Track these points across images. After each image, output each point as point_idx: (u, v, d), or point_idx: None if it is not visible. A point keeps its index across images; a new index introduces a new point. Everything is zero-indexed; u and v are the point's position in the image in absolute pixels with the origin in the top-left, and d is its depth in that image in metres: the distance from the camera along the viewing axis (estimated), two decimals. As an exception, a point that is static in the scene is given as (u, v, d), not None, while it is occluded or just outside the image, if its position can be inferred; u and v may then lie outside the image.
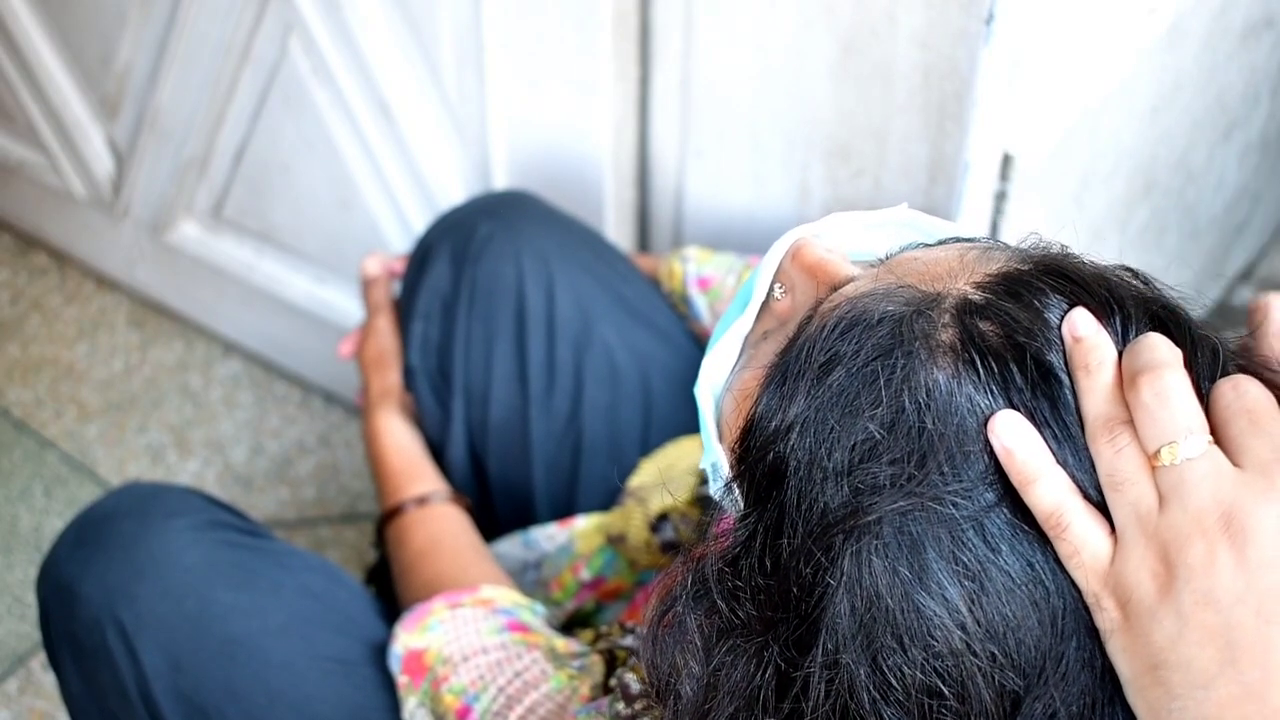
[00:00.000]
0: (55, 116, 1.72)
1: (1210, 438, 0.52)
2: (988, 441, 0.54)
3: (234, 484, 1.66)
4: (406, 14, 1.28)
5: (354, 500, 1.64)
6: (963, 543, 0.53)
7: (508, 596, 0.96)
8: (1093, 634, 0.53)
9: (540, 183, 1.32)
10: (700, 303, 1.17)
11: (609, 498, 1.13)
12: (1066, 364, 0.55)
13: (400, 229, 1.46)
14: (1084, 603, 0.53)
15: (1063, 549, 0.53)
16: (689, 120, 1.25)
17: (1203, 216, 1.56)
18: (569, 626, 1.07)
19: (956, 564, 0.53)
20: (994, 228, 1.13)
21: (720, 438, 0.65)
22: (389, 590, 1.11)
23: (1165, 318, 0.57)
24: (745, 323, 0.66)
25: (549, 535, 1.12)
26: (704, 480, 0.99)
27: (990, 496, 0.54)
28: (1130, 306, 0.56)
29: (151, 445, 1.70)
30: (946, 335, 0.55)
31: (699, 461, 0.84)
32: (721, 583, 0.59)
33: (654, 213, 1.36)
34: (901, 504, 0.54)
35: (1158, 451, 0.52)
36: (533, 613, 0.96)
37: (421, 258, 1.16)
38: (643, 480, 1.10)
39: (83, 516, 1.01)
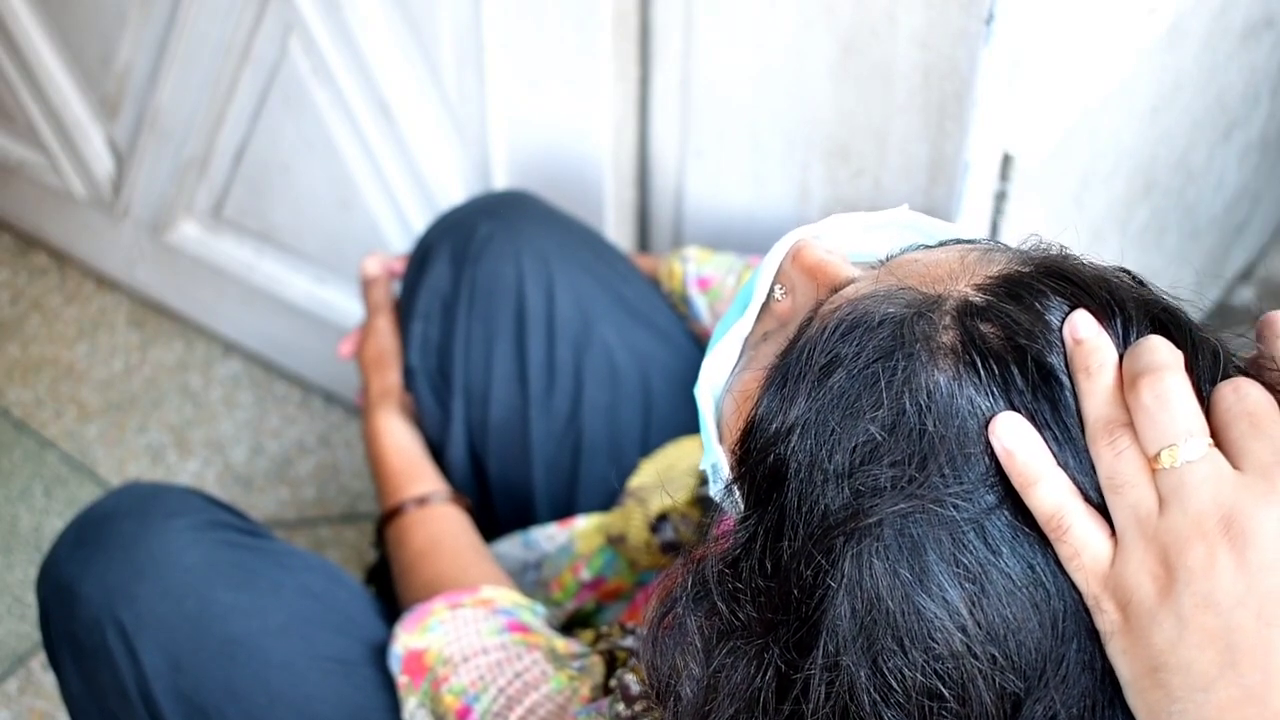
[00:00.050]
0: (55, 116, 1.72)
1: (1210, 440, 0.52)
2: (989, 443, 0.54)
3: (234, 484, 1.66)
4: (406, 14, 1.28)
5: (354, 500, 1.64)
6: (964, 545, 0.53)
7: (508, 597, 0.96)
8: (1093, 636, 0.53)
9: (540, 183, 1.32)
10: (700, 303, 1.17)
11: (609, 498, 1.13)
12: (1067, 366, 0.55)
13: (400, 229, 1.46)
14: (1085, 605, 0.53)
15: (1063, 551, 0.53)
16: (689, 120, 1.25)
17: (1203, 216, 1.56)
18: (569, 627, 1.07)
19: (957, 566, 0.53)
20: (994, 228, 1.13)
21: (720, 439, 0.65)
22: (389, 590, 1.11)
23: (1166, 320, 0.57)
24: (745, 324, 0.66)
25: (549, 535, 1.12)
26: (704, 481, 1.00)
27: (991, 498, 0.54)
28: (1131, 309, 0.56)
29: (151, 445, 1.70)
30: (947, 337, 0.55)
31: (699, 462, 0.84)
32: (722, 584, 0.59)
33: (654, 213, 1.36)
34: (902, 506, 0.54)
35: (1158, 454, 0.52)
36: (533, 613, 0.96)
37: (421, 258, 1.16)
38: (643, 480, 1.10)
39: (83, 516, 1.01)
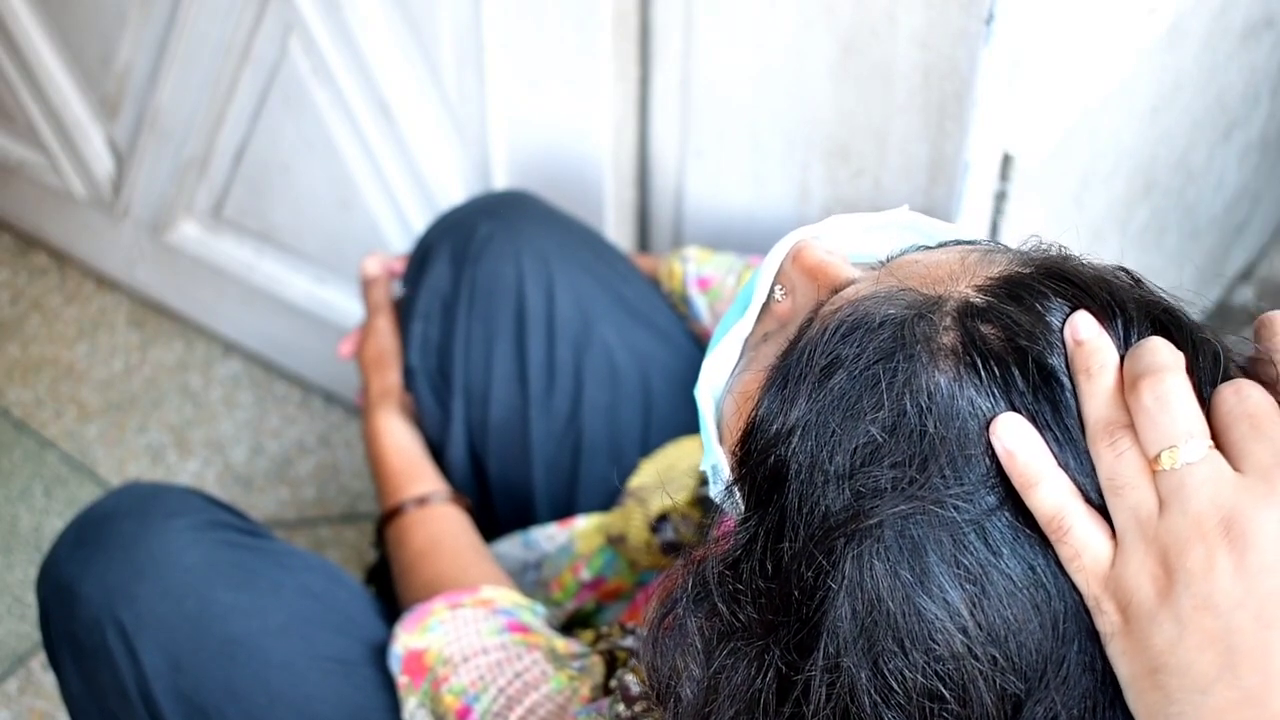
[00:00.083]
0: (55, 116, 1.72)
1: (1211, 442, 0.52)
2: (989, 444, 0.54)
3: (234, 484, 1.66)
4: (406, 14, 1.28)
5: (354, 500, 1.64)
6: (964, 546, 0.53)
7: (508, 597, 0.96)
8: (1094, 637, 0.53)
9: (540, 183, 1.32)
10: (700, 303, 1.17)
11: (609, 498, 1.13)
12: (1068, 367, 0.55)
13: (400, 229, 1.46)
14: (1085, 606, 0.53)
15: (1064, 552, 0.53)
16: (689, 120, 1.25)
17: (1203, 216, 1.56)
18: (569, 627, 1.07)
19: (958, 567, 0.53)
20: (994, 228, 1.13)
21: (721, 440, 0.65)
22: (389, 590, 1.11)
23: (1167, 321, 0.56)
24: (745, 325, 0.66)
25: (549, 535, 1.12)
26: (704, 481, 1.00)
27: (992, 500, 0.54)
28: (1132, 309, 0.56)
29: (151, 445, 1.70)
30: (948, 338, 0.55)
31: (699, 462, 0.84)
32: (722, 585, 0.59)
33: (654, 213, 1.36)
34: (903, 507, 0.54)
35: (1158, 456, 0.52)
36: (533, 613, 0.96)
37: (421, 258, 1.16)
38: (643, 481, 1.10)
39: (83, 516, 1.01)
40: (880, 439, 0.55)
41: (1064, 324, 0.55)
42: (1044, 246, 0.62)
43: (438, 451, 1.16)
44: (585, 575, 1.09)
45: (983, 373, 0.54)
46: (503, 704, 0.86)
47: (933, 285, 0.58)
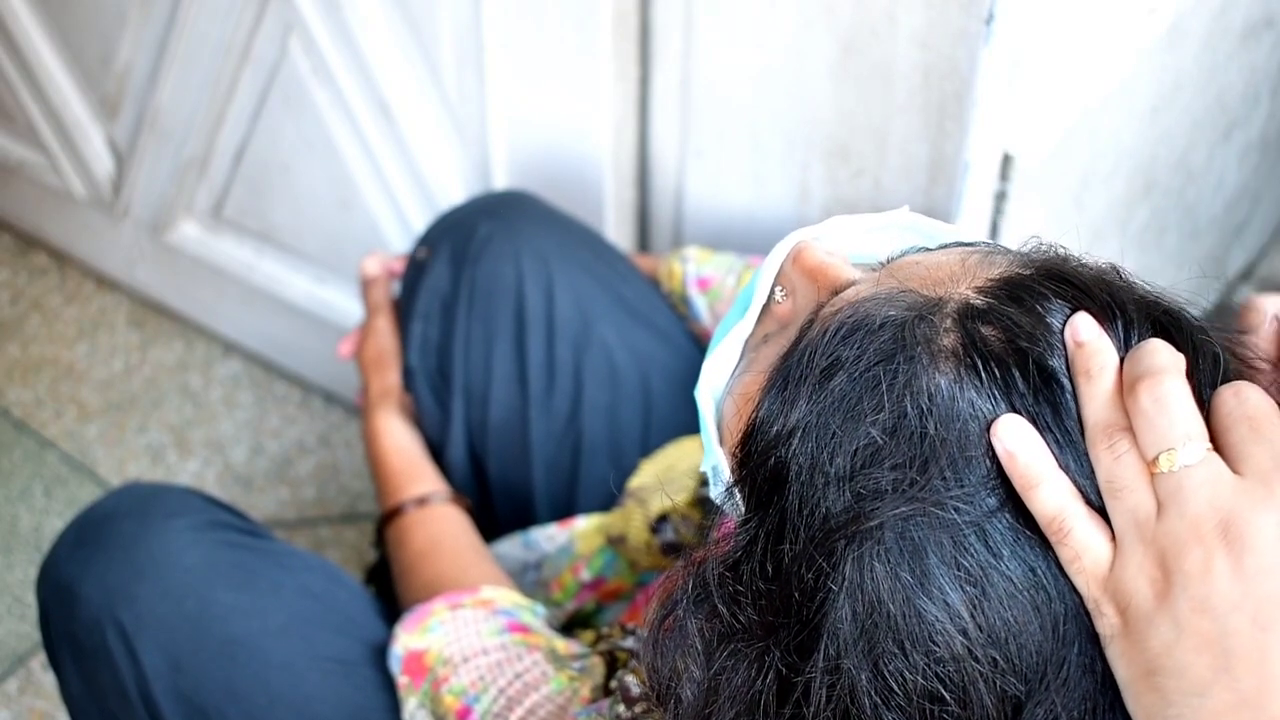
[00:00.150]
0: (55, 116, 1.72)
1: (1209, 445, 0.52)
2: (990, 446, 0.54)
3: (234, 484, 1.66)
4: (406, 14, 1.28)
5: (354, 500, 1.64)
6: (965, 548, 0.53)
7: (508, 597, 0.96)
8: (1094, 639, 0.53)
9: (540, 183, 1.32)
10: (700, 303, 1.17)
11: (609, 498, 1.13)
12: (1069, 369, 0.55)
13: (400, 229, 1.46)
14: (1085, 608, 0.53)
15: (1064, 554, 0.53)
16: (689, 120, 1.25)
17: (1203, 216, 1.56)
18: (569, 627, 1.07)
19: (958, 569, 0.53)
20: (994, 228, 1.13)
21: (721, 441, 0.65)
22: (389, 590, 1.11)
23: (1167, 323, 0.57)
24: (746, 326, 0.66)
25: (549, 536, 1.12)
26: (704, 482, 1.00)
27: (992, 501, 0.54)
28: (1132, 311, 0.56)
29: (151, 445, 1.70)
30: (948, 340, 0.55)
31: (699, 463, 0.84)
32: (722, 587, 0.59)
33: (654, 213, 1.36)
34: (903, 509, 0.54)
35: (1156, 458, 0.52)
36: (533, 614, 0.96)
37: (417, 263, 1.16)
38: (643, 481, 1.10)
39: (83, 517, 1.01)
40: (881, 441, 0.55)
41: (1064, 325, 0.55)
42: (1045, 248, 0.62)
43: (437, 452, 1.16)
44: (585, 576, 1.09)
45: (983, 374, 0.54)
46: (503, 705, 0.86)
47: (933, 287, 0.58)
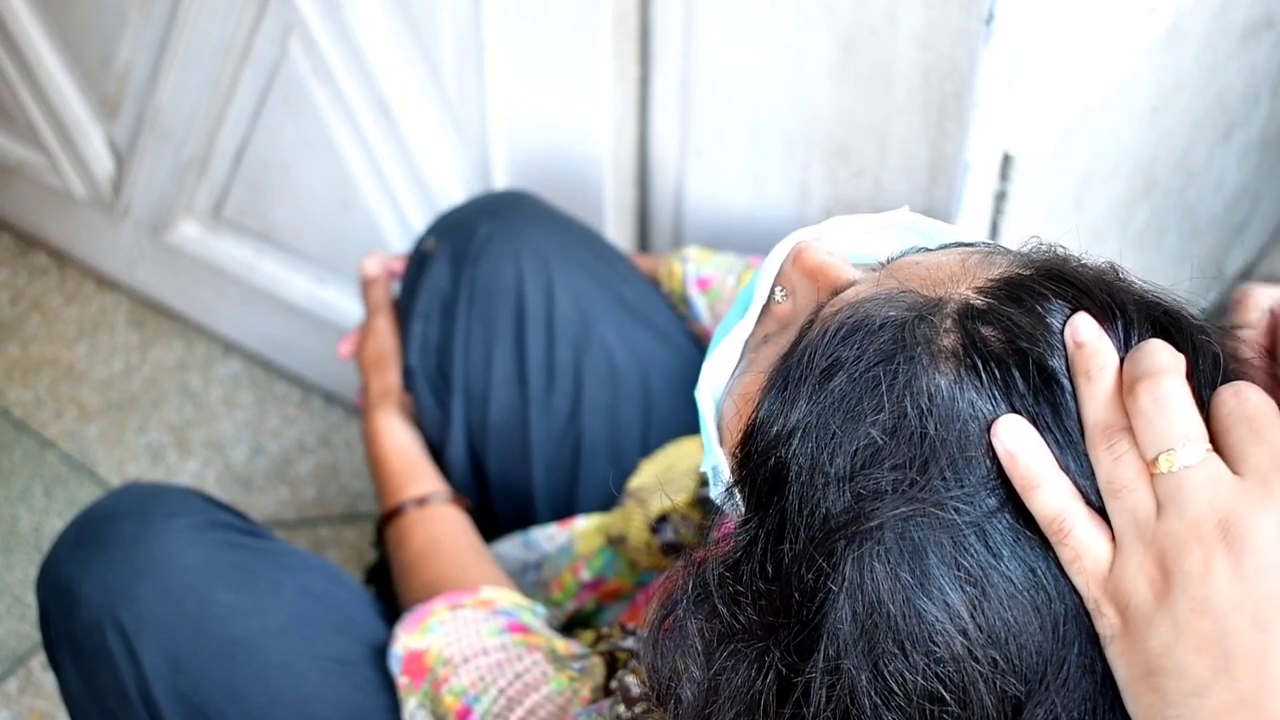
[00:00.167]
0: (55, 116, 1.72)
1: (1209, 445, 0.52)
2: (990, 447, 0.54)
3: (234, 484, 1.66)
4: (406, 14, 1.28)
5: (354, 500, 1.64)
6: (965, 548, 0.53)
7: (508, 598, 0.96)
8: (1094, 640, 0.53)
9: (540, 183, 1.32)
10: (700, 303, 1.17)
11: (609, 498, 1.13)
12: (1069, 369, 0.55)
13: (400, 229, 1.46)
14: (1085, 608, 0.53)
15: (1064, 554, 0.53)
16: (689, 120, 1.25)
17: (1203, 216, 1.56)
18: (569, 627, 1.07)
19: (958, 569, 0.53)
20: (994, 228, 1.13)
21: (721, 441, 0.65)
22: (389, 590, 1.11)
23: (1167, 323, 0.57)
24: (746, 326, 0.66)
25: (549, 536, 1.12)
26: (704, 482, 1.00)
27: (992, 502, 0.54)
28: (1132, 311, 0.56)
29: (151, 445, 1.70)
30: (948, 340, 0.55)
31: (699, 463, 0.84)
32: (722, 587, 0.59)
33: (654, 213, 1.36)
34: (903, 509, 0.54)
35: (1155, 459, 0.52)
36: (533, 614, 0.96)
37: (421, 258, 1.16)
38: (643, 481, 1.10)
39: (83, 517, 1.01)
40: (881, 441, 0.55)
41: (1064, 326, 0.55)
42: (1045, 248, 0.62)
43: (437, 452, 1.16)
44: (585, 576, 1.09)
45: (983, 375, 0.54)
46: (503, 705, 0.86)
47: (933, 287, 0.58)
